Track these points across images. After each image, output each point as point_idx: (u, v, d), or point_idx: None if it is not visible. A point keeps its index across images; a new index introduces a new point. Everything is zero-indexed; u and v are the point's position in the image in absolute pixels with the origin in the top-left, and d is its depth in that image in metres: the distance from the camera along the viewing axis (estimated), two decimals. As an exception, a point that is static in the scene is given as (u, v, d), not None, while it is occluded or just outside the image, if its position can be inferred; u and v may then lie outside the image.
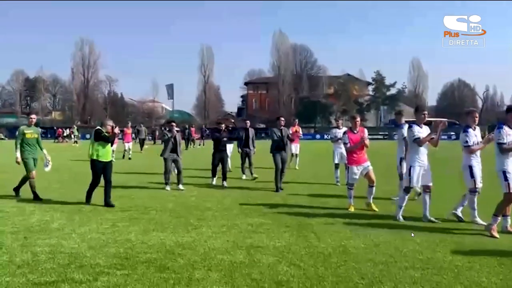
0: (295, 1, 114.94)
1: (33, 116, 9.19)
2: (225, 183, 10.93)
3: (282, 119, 10.55)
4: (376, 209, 7.59)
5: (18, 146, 8.70)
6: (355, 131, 7.85)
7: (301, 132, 15.94)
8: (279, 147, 10.10)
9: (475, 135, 6.44)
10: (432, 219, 6.70)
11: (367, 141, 7.76)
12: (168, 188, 10.18)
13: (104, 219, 6.87)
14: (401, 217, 6.84)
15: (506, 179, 5.92)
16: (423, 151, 6.77)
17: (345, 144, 7.95)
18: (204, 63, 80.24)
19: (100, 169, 8.20)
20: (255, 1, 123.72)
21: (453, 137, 49.22)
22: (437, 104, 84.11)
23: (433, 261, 4.78)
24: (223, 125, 11.94)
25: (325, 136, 59.69)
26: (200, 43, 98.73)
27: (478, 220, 6.46)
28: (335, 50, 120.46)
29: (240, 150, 12.92)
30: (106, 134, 8.19)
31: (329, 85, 77.32)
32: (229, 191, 10.17)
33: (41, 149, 9.02)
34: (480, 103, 79.08)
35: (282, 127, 10.32)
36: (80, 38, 78.37)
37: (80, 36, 78.94)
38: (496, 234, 5.80)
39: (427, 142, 6.76)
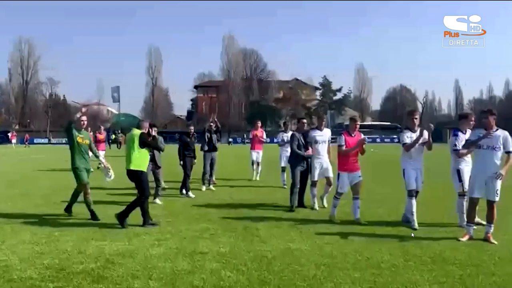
0: (246, 1, 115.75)
1: (83, 118, 7.32)
2: (190, 193, 9.96)
3: (305, 121, 8.90)
4: (365, 222, 6.92)
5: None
6: (353, 134, 7.19)
7: (264, 136, 13.42)
8: (299, 157, 8.22)
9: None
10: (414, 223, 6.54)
11: (364, 146, 7.17)
12: (157, 201, 8.87)
13: (40, 229, 6.47)
14: (415, 224, 6.47)
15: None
16: (416, 155, 6.61)
17: (340, 146, 7.13)
18: (152, 64, 78.83)
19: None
20: (203, 2, 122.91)
21: (396, 140, 51.64)
22: (380, 109, 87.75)
23: (372, 261, 4.93)
24: (192, 128, 10.74)
25: (275, 140, 60.34)
26: (148, 44, 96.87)
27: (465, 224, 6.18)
28: (285, 54, 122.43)
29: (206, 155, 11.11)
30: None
31: (279, 90, 78.56)
32: (176, 197, 9.97)
33: (97, 156, 7.79)
34: (420, 108, 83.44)
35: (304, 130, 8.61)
36: (19, 37, 74.35)
37: (19, 35, 74.91)
38: (463, 239, 5.80)
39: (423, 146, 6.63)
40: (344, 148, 7.05)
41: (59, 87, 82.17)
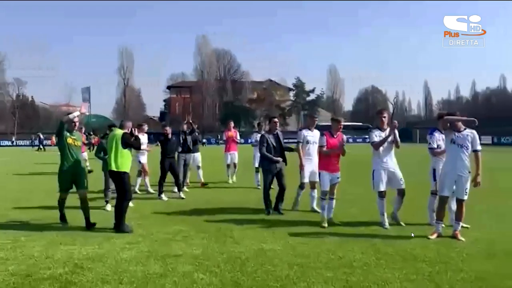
0: (220, 1, 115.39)
1: (77, 119, 6.95)
2: (181, 194, 9.91)
3: (277, 120, 8.42)
4: (325, 226, 6.78)
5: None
6: (335, 136, 7.09)
7: (238, 137, 12.96)
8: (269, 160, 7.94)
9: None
10: (399, 221, 6.70)
11: (344, 147, 7.11)
12: (108, 208, 8.40)
13: (4, 235, 6.23)
14: (386, 224, 6.58)
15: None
16: (386, 154, 6.60)
17: (321, 147, 7.06)
18: (124, 65, 77.43)
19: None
20: (177, 2, 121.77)
21: (368, 140, 52.41)
22: (353, 109, 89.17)
23: (345, 260, 4.97)
24: (167, 129, 10.43)
25: (249, 140, 60.35)
26: (119, 44, 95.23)
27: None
28: (258, 56, 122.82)
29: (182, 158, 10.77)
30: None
31: (253, 90, 78.68)
32: (148, 199, 9.81)
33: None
34: (391, 108, 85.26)
35: (276, 131, 8.28)
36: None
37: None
38: (432, 236, 5.91)
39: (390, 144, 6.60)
40: (325, 149, 6.97)
41: (27, 88, 79.18)
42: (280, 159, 7.92)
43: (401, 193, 6.67)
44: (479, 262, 4.86)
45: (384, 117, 6.62)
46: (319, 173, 7.09)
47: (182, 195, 9.88)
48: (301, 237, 6.07)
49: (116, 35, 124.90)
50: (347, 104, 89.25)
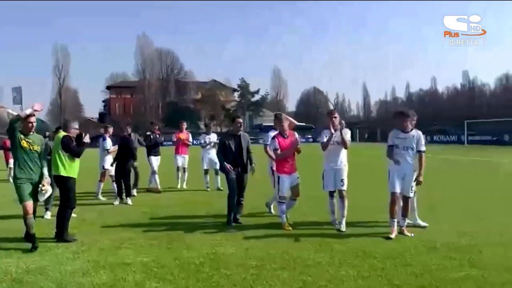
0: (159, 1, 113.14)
1: (32, 119, 5.97)
2: (129, 200, 9.45)
3: (241, 121, 7.52)
4: (290, 228, 6.61)
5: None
6: (285, 136, 6.89)
7: (190, 139, 12.14)
8: (235, 162, 7.25)
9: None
10: (340, 225, 6.53)
11: (299, 147, 6.95)
12: (48, 215, 7.77)
13: None
14: (336, 223, 6.60)
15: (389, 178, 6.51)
16: (335, 154, 6.56)
17: (275, 150, 6.82)
18: (59, 64, 73.46)
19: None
20: (116, 2, 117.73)
21: (311, 139, 53.99)
22: (296, 110, 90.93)
23: (299, 260, 5.00)
24: (128, 128, 9.99)
25: (195, 142, 59.60)
26: (54, 42, 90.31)
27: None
28: (202, 56, 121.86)
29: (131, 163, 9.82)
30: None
31: (197, 91, 77.88)
32: (91, 206, 9.33)
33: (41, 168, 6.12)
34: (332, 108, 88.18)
35: (240, 132, 7.42)
36: None
37: None
38: (392, 235, 5.97)
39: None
40: (279, 151, 6.78)
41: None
42: (232, 171, 7.08)
43: (341, 195, 6.55)
44: (425, 256, 5.08)
45: (335, 117, 6.59)
46: (278, 177, 6.82)
47: (129, 201, 9.45)
48: (254, 239, 6.04)
49: (50, 32, 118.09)
50: (291, 105, 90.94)
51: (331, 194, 6.69)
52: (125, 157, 9.57)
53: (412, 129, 6.14)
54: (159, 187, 11.25)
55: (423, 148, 6.10)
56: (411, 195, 6.11)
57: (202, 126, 50.86)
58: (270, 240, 5.97)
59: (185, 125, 12.32)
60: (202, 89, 76.94)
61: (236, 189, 7.15)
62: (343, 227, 6.44)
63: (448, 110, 62.03)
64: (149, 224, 7.19)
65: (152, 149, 11.36)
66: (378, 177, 6.97)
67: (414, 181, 6.07)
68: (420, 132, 6.17)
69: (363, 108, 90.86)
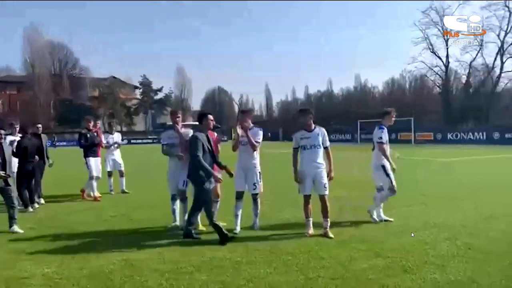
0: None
1: None
2: (36, 206, 8.65)
3: (212, 117, 6.22)
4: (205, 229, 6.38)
5: None
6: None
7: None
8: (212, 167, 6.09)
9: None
10: (254, 225, 6.51)
11: (218, 146, 6.62)
12: None
13: None
14: (238, 228, 6.35)
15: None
16: (245, 154, 6.38)
17: None
18: None
19: None
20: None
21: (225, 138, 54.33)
22: (200, 109, 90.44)
23: (216, 260, 4.94)
24: (39, 126, 9.34)
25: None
26: None
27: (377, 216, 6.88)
28: (100, 51, 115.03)
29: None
30: None
31: (94, 88, 73.21)
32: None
33: None
34: (236, 109, 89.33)
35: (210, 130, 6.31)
36: None
37: None
38: (309, 233, 6.01)
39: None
40: None
41: None
42: (218, 177, 6.07)
43: (254, 198, 6.45)
44: (335, 249, 5.35)
45: (250, 116, 6.54)
46: None
47: (31, 208, 8.42)
48: (166, 241, 5.83)
49: None
50: (195, 104, 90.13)
51: (238, 195, 6.44)
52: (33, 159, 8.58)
53: (315, 127, 6.18)
54: (96, 194, 9.91)
55: (328, 144, 6.21)
56: (327, 192, 6.08)
57: (106, 125, 48.03)
58: (182, 242, 5.80)
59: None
60: (100, 86, 72.56)
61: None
62: (257, 227, 6.48)
63: (343, 111, 66.59)
64: (51, 232, 6.52)
65: (89, 149, 9.96)
66: (288, 176, 7.09)
67: (327, 178, 6.15)
68: (323, 129, 6.25)
69: (266, 108, 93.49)
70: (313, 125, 6.21)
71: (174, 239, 5.99)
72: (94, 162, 9.93)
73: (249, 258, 5.01)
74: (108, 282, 4.28)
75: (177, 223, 6.75)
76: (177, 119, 6.83)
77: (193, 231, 6.03)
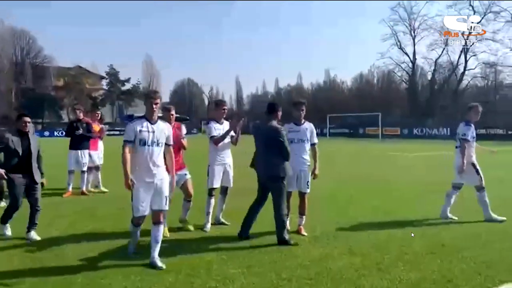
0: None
1: None
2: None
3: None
4: (192, 228, 6.09)
5: None
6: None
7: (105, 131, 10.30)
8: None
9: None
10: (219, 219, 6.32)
11: (184, 141, 6.01)
12: None
13: None
14: (208, 226, 6.09)
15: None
16: (225, 149, 6.13)
17: None
18: None
19: None
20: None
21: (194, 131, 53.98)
22: (169, 101, 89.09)
23: (185, 261, 4.71)
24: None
25: (55, 133, 54.26)
26: None
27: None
28: (64, 39, 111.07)
29: None
30: None
31: (59, 77, 70.57)
32: None
33: None
34: (206, 101, 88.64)
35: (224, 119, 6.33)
36: None
37: None
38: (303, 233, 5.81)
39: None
40: None
41: None
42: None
43: (225, 191, 6.31)
44: (309, 246, 5.23)
45: (224, 109, 6.26)
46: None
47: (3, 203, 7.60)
48: (93, 243, 5.52)
49: None
50: (165, 96, 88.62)
51: (212, 192, 6.16)
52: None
53: (304, 122, 5.96)
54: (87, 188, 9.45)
55: (316, 141, 6.00)
56: (308, 190, 5.89)
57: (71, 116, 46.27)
58: (120, 244, 5.33)
59: (98, 113, 10.46)
60: (66, 75, 69.98)
61: None
62: (222, 220, 6.34)
63: (312, 105, 67.14)
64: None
65: (72, 141, 9.30)
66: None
67: (311, 175, 5.93)
68: (312, 125, 6.05)
69: (236, 101, 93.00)
70: (302, 120, 5.96)
71: (105, 241, 5.51)
72: (74, 155, 9.29)
73: (220, 257, 4.81)
74: (73, 286, 3.99)
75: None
76: (223, 112, 6.30)
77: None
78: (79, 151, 9.34)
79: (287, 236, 5.33)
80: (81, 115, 9.43)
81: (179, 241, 5.49)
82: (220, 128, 6.14)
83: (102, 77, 76.52)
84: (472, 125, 6.65)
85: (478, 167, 6.64)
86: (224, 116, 6.29)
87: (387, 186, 10.10)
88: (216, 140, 6.03)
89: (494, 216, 6.49)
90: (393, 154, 21.27)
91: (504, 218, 6.46)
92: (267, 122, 5.49)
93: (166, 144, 4.78)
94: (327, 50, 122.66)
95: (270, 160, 5.40)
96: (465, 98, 54.81)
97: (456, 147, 6.76)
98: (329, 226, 6.23)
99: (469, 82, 55.51)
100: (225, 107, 6.34)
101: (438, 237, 5.61)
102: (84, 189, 9.36)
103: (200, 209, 6.26)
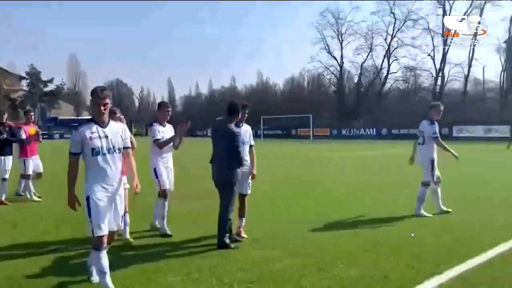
0: None
1: None
2: None
3: (169, 108, 6.18)
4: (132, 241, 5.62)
5: None
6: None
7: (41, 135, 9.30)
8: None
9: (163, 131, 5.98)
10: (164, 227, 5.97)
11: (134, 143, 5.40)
12: None
13: None
14: (164, 227, 5.90)
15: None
16: (168, 152, 6.01)
17: None
18: None
19: None
20: None
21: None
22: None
23: (122, 268, 4.44)
24: None
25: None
26: None
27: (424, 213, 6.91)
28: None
29: None
30: None
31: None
32: None
33: None
34: (137, 102, 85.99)
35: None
36: None
37: None
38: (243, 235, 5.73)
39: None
40: None
41: None
42: None
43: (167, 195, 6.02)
44: (249, 249, 5.20)
45: (168, 111, 6.08)
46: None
47: None
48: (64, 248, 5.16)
49: None
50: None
51: (165, 193, 5.93)
52: None
53: (242, 124, 5.89)
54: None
55: (253, 143, 6.01)
56: (249, 192, 5.86)
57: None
58: (88, 248, 5.14)
59: (32, 114, 9.37)
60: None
61: None
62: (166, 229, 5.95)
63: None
64: None
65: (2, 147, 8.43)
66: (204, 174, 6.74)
67: (250, 176, 5.87)
68: (249, 127, 6.05)
69: (169, 102, 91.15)
70: (242, 122, 5.88)
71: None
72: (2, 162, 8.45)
73: (159, 265, 4.62)
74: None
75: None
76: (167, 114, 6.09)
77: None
78: (2, 157, 8.49)
79: (227, 240, 5.26)
80: (4, 118, 8.54)
81: (113, 251, 5.18)
82: (163, 130, 5.98)
83: (22, 77, 71.14)
84: (436, 122, 7.04)
85: (435, 165, 7.01)
86: (168, 119, 6.11)
87: (319, 186, 10.38)
88: (160, 144, 5.87)
89: (423, 212, 6.93)
90: (323, 155, 22.00)
91: (431, 215, 6.92)
92: (227, 123, 5.38)
93: (124, 147, 4.02)
94: (259, 53, 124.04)
95: (225, 164, 5.30)
96: (388, 101, 58.37)
97: (419, 143, 7.20)
98: (267, 228, 6.24)
99: (391, 85, 59.02)
100: (169, 109, 6.15)
101: (372, 235, 5.84)
102: (3, 198, 8.54)
103: (141, 214, 6.00)
